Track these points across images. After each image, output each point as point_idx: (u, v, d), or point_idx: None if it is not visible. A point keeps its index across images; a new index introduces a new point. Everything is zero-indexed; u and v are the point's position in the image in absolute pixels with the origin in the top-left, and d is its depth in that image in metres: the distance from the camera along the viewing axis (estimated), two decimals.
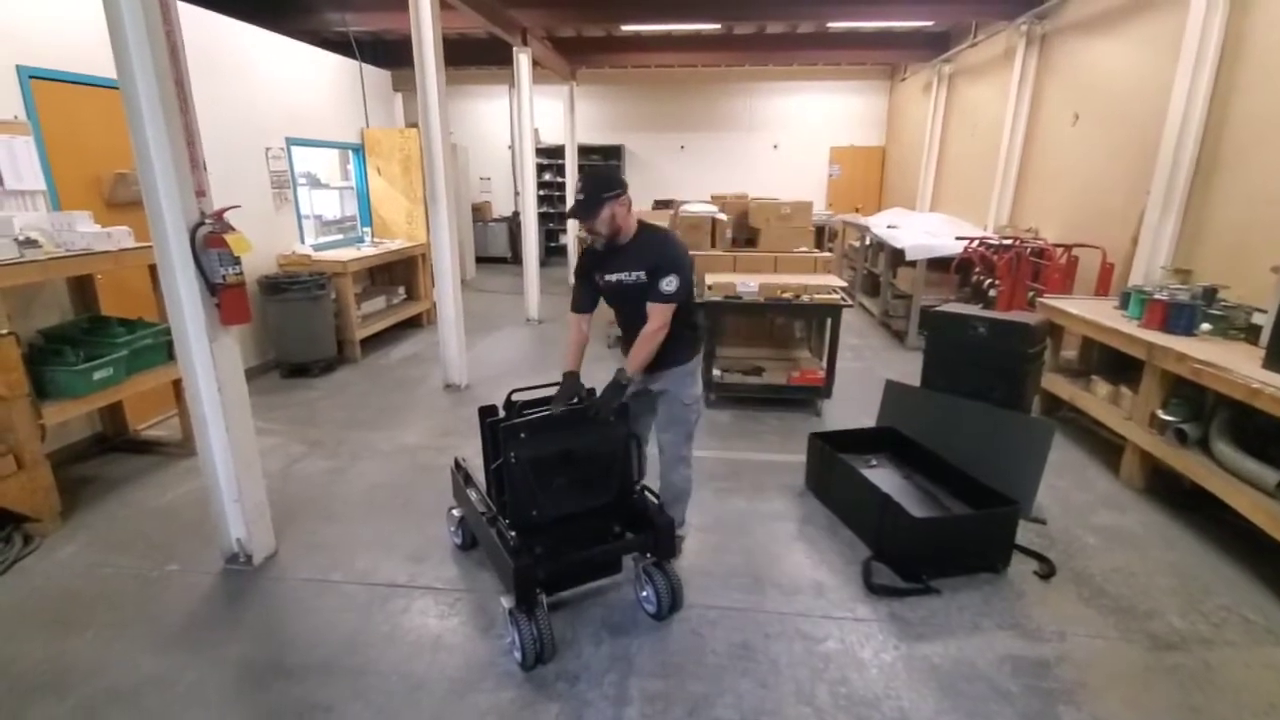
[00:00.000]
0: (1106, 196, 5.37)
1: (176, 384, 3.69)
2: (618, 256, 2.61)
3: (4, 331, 2.91)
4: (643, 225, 2.64)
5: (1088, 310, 4.15)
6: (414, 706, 2.18)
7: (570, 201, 2.98)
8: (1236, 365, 2.98)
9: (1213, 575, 2.88)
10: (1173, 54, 4.39)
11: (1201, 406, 3.37)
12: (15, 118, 3.59)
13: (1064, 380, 4.34)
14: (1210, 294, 3.65)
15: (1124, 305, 4.03)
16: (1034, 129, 6.67)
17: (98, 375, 3.37)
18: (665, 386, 2.73)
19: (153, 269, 3.25)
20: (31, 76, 3.68)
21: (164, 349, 3.71)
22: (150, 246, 2.55)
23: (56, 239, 3.34)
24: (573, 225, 9.69)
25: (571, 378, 2.65)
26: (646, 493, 2.64)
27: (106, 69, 2.39)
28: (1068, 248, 5.18)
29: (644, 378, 2.68)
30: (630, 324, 2.71)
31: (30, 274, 3.16)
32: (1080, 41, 5.97)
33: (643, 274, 2.56)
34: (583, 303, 2.79)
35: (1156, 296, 3.65)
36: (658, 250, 2.57)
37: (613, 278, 2.64)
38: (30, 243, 3.20)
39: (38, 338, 3.49)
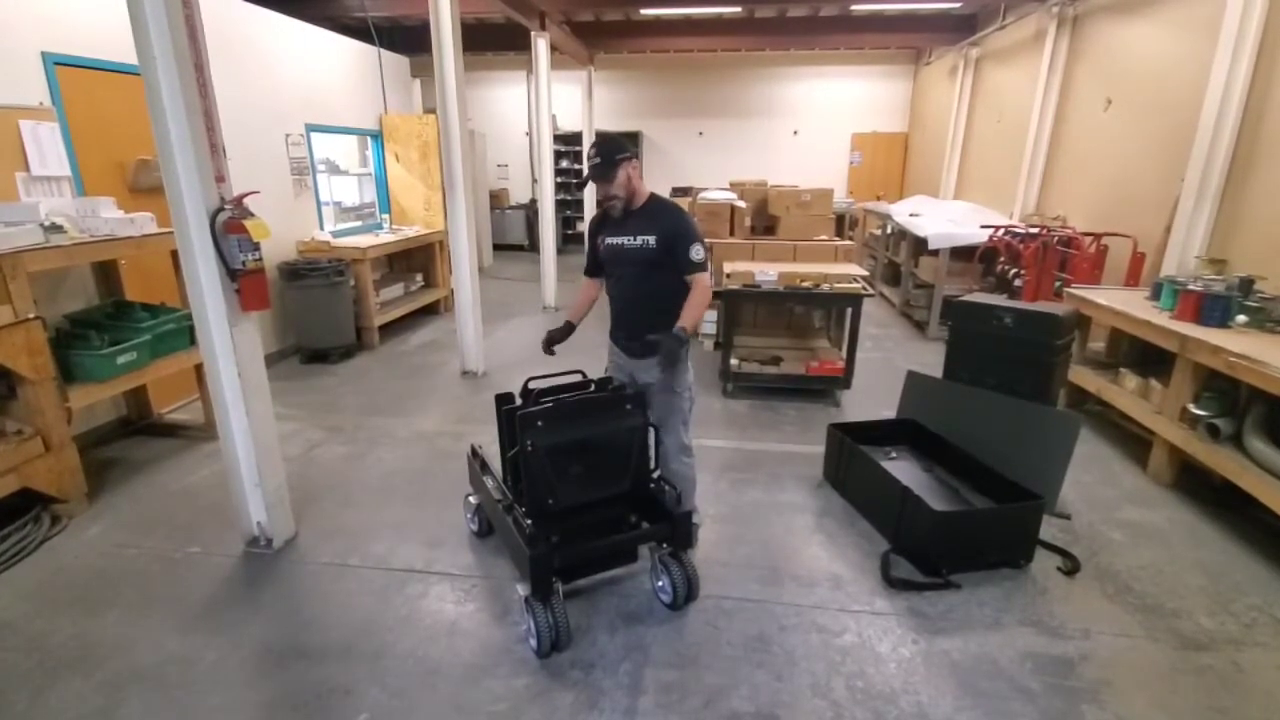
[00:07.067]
0: (1138, 184, 5.22)
1: (198, 368, 3.73)
2: (626, 221, 2.64)
3: (31, 315, 2.96)
4: (653, 194, 2.69)
5: (1117, 301, 4.04)
6: (430, 690, 2.20)
7: (579, 187, 3.06)
8: (1273, 358, 2.89)
9: (1243, 574, 2.81)
10: (1211, 37, 4.23)
11: (1235, 401, 3.28)
12: (40, 104, 3.63)
13: (1091, 373, 4.25)
14: (1246, 285, 3.53)
15: (1155, 296, 3.93)
16: (1063, 114, 6.49)
17: (122, 359, 3.42)
18: (657, 377, 2.71)
19: (174, 254, 3.26)
20: (56, 63, 3.71)
21: (186, 334, 3.76)
22: (172, 232, 2.57)
23: (81, 224, 3.38)
24: (589, 203, 9.68)
25: (568, 326, 2.81)
26: (663, 482, 2.62)
27: (129, 55, 2.40)
28: (1097, 236, 5.05)
29: (634, 365, 2.72)
30: (623, 290, 2.75)
31: (56, 259, 3.20)
32: (1114, 24, 5.78)
33: (652, 239, 2.57)
34: (595, 268, 2.87)
35: (1190, 287, 3.55)
36: (672, 219, 2.60)
37: (615, 241, 2.65)
38: (56, 228, 3.24)
39: (64, 322, 3.55)
